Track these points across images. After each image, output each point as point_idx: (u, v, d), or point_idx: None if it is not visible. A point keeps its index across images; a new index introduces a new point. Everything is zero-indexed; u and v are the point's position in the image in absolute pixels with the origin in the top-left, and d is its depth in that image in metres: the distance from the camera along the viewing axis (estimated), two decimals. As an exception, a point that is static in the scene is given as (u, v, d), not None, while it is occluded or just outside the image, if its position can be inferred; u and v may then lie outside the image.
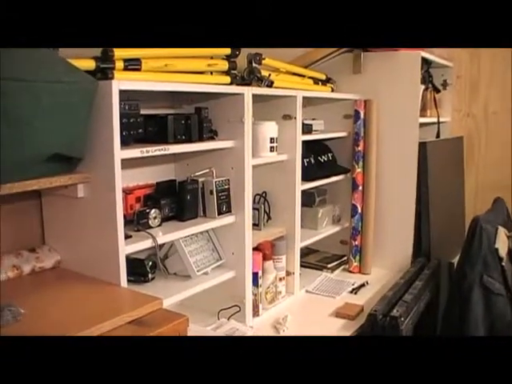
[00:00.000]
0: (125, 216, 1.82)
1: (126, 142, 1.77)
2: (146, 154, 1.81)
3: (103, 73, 1.72)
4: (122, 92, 1.68)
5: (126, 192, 2.02)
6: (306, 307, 2.64)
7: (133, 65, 1.82)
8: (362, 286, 2.88)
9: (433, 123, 3.49)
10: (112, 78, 1.72)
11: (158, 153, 1.86)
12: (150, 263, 2.06)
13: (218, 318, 2.29)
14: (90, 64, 1.70)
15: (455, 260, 2.89)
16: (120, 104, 1.69)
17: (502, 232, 2.66)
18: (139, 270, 2.03)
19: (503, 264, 2.56)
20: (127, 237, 1.82)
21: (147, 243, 1.88)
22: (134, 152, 1.77)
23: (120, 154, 1.69)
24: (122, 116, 1.71)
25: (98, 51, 1.75)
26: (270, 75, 2.38)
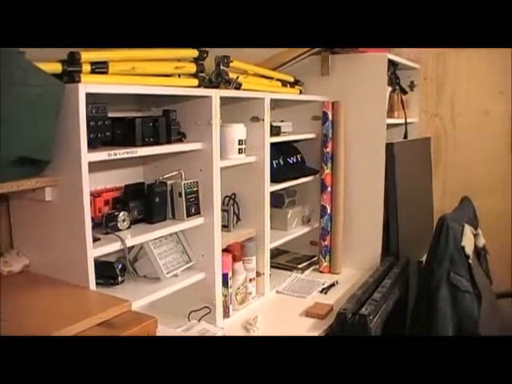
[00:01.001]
0: (93, 219, 1.83)
1: (93, 145, 1.77)
2: (113, 157, 1.81)
3: (70, 76, 1.72)
4: (89, 95, 1.68)
5: (95, 195, 2.02)
6: (277, 307, 2.65)
7: (100, 68, 1.82)
8: (332, 285, 2.91)
9: (400, 124, 3.54)
10: (79, 81, 1.72)
11: (125, 155, 1.86)
12: (120, 266, 2.06)
13: (189, 320, 2.30)
14: (56, 67, 1.70)
15: (423, 258, 2.93)
16: (87, 107, 1.69)
17: (468, 230, 2.70)
18: (109, 272, 2.03)
19: (470, 261, 2.60)
20: (96, 240, 1.82)
21: (116, 246, 1.88)
22: (102, 155, 1.77)
23: (87, 156, 1.69)
24: (89, 119, 1.72)
25: (64, 54, 1.76)
26: (237, 77, 2.40)
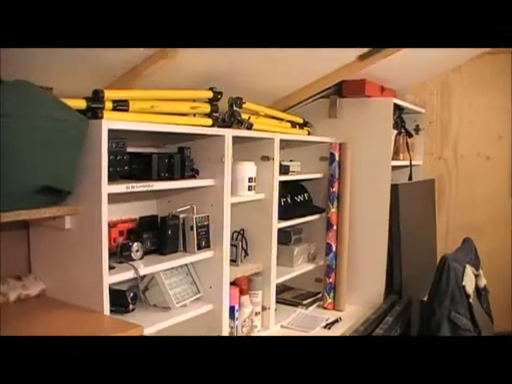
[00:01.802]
0: (108, 248, 1.91)
1: (112, 178, 1.87)
2: (131, 190, 1.92)
3: (93, 112, 1.83)
4: (110, 131, 1.79)
5: (110, 225, 2.11)
6: (281, 341, 2.71)
7: (121, 105, 1.94)
8: (336, 321, 2.97)
9: (405, 166, 3.64)
10: (102, 117, 1.83)
11: (142, 189, 1.97)
12: (131, 294, 2.14)
13: (196, 350, 2.36)
14: (81, 103, 1.82)
15: (426, 298, 2.99)
16: (108, 142, 1.80)
17: (469, 270, 2.77)
18: (120, 300, 2.11)
19: (470, 301, 2.67)
20: (111, 268, 1.91)
21: (129, 274, 1.98)
22: (120, 187, 1.88)
23: (107, 188, 1.80)
24: (109, 153, 1.82)
25: (88, 92, 1.87)
26: (249, 118, 2.51)
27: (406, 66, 3.12)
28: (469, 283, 2.73)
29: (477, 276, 2.92)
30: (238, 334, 2.54)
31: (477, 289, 2.87)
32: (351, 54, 2.71)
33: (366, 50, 2.67)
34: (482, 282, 2.97)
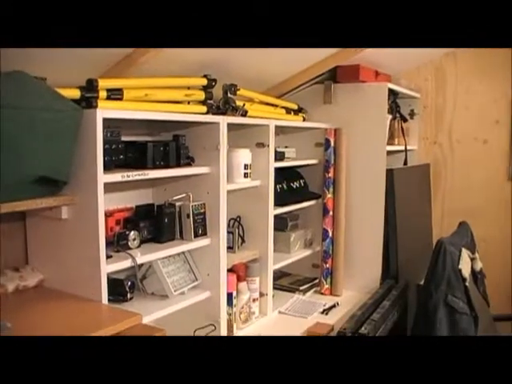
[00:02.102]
0: (105, 238, 1.92)
1: (107, 167, 1.87)
2: (126, 179, 1.92)
3: (87, 101, 1.83)
4: (104, 120, 1.79)
5: (107, 214, 2.11)
6: (279, 327, 2.73)
7: (115, 94, 1.93)
8: (333, 306, 2.99)
9: (401, 151, 3.64)
10: (96, 106, 1.83)
11: (137, 177, 1.97)
12: (129, 283, 2.15)
13: (194, 337, 2.38)
14: (75, 93, 1.81)
15: (423, 281, 3.00)
16: (103, 131, 1.79)
17: (465, 253, 2.77)
18: (118, 289, 2.11)
19: (467, 284, 2.67)
20: (108, 257, 1.91)
21: (127, 263, 1.98)
22: (116, 176, 1.88)
23: (103, 178, 1.79)
24: (104, 142, 1.82)
25: (82, 81, 1.87)
26: (244, 105, 2.51)
27: (400, 50, 3.10)
28: (465, 266, 2.74)
29: (473, 259, 2.92)
30: (236, 321, 2.55)
31: (473, 272, 2.88)
32: (345, 39, 2.71)
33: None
34: (478, 266, 2.98)
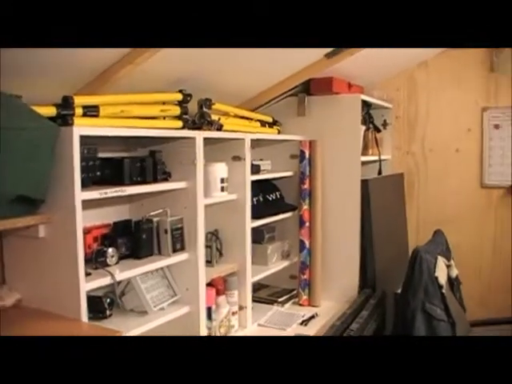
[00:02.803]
0: (83, 255, 1.91)
1: (85, 184, 1.86)
2: (104, 196, 1.91)
3: (64, 119, 1.82)
4: (81, 137, 1.78)
5: (84, 232, 2.08)
6: (259, 340, 2.73)
7: (91, 111, 1.94)
8: (312, 317, 3.00)
9: (375, 161, 3.68)
10: (72, 123, 1.82)
11: (115, 194, 1.97)
12: (108, 300, 2.14)
13: (174, 352, 2.37)
14: (51, 110, 1.81)
15: (400, 290, 3.03)
16: (79, 148, 1.78)
17: (441, 261, 2.81)
18: (97, 306, 2.10)
19: (443, 291, 2.71)
20: (87, 274, 1.90)
21: (106, 280, 1.97)
22: (93, 194, 1.88)
23: (80, 195, 1.79)
24: (81, 159, 1.81)
25: (57, 98, 1.86)
26: (219, 119, 2.52)
27: (372, 62, 3.16)
28: (441, 274, 2.77)
29: (448, 267, 2.97)
30: (216, 335, 2.55)
31: (449, 279, 2.92)
32: (318, 52, 2.74)
33: (332, 48, 2.70)
34: (454, 273, 3.03)
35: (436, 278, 2.73)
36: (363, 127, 3.41)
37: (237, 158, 2.68)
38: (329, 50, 2.73)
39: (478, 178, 3.76)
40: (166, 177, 2.30)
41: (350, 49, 2.68)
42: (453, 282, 3.01)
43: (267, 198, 3.11)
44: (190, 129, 2.37)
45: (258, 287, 3.32)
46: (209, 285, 2.51)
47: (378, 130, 3.72)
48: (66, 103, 1.85)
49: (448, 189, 3.83)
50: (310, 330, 2.79)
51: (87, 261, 1.99)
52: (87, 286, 1.86)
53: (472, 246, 3.72)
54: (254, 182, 2.80)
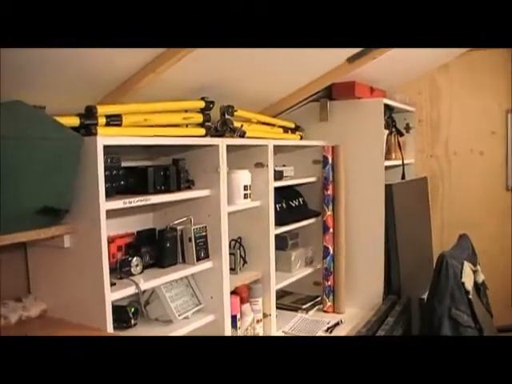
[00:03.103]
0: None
1: (109, 194, 1.85)
2: (128, 205, 1.90)
3: (87, 129, 1.82)
4: (104, 146, 1.77)
5: (108, 241, 2.07)
6: (284, 347, 2.70)
7: (114, 120, 1.93)
8: (337, 324, 2.97)
9: (398, 165, 3.64)
10: (95, 133, 1.82)
11: (139, 203, 1.96)
12: (133, 309, 2.13)
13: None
14: (74, 121, 1.81)
15: (425, 295, 2.99)
16: (103, 157, 1.78)
17: (467, 266, 2.77)
18: (122, 316, 2.10)
19: (470, 297, 2.67)
20: (112, 284, 1.89)
21: (131, 290, 1.96)
22: (118, 203, 1.87)
23: (105, 205, 1.78)
24: (105, 169, 1.80)
25: (80, 108, 1.86)
26: (242, 126, 2.50)
27: (393, 66, 3.13)
28: (467, 280, 2.73)
29: (475, 272, 2.92)
30: (241, 343, 2.53)
31: (475, 285, 2.87)
32: (340, 56, 2.72)
33: (354, 52, 2.68)
34: (481, 278, 2.98)
35: (462, 284, 2.68)
36: (386, 131, 3.37)
37: (260, 165, 2.66)
38: (351, 54, 2.70)
39: (503, 180, 3.72)
40: (190, 185, 2.29)
41: (372, 52, 2.65)
42: (479, 288, 2.96)
43: (290, 204, 3.09)
44: (212, 136, 2.36)
45: (281, 294, 3.29)
46: (233, 293, 2.50)
47: (401, 134, 3.69)
48: (89, 113, 1.85)
49: (472, 192, 3.79)
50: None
51: (111, 270, 1.98)
52: (112, 296, 1.85)
53: (498, 249, 3.66)
54: (276, 189, 2.78)
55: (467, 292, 2.69)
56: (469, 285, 2.71)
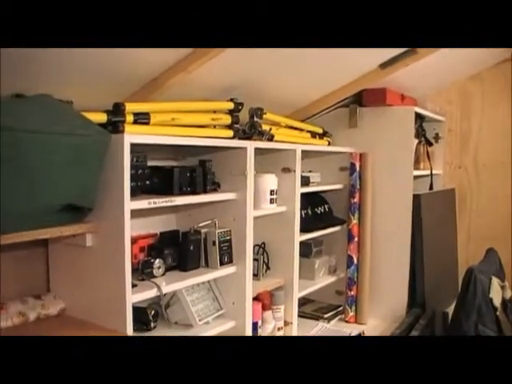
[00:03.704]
0: (130, 265, 1.87)
1: (133, 193, 1.81)
2: (153, 206, 1.86)
3: (114, 126, 1.78)
4: (131, 144, 1.74)
5: (131, 241, 2.05)
6: (304, 357, 2.65)
7: (142, 118, 1.89)
8: (359, 335, 2.91)
9: (426, 175, 3.57)
10: (123, 131, 1.78)
11: (164, 204, 1.92)
12: (153, 312, 2.09)
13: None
14: (101, 117, 1.77)
15: (449, 309, 2.93)
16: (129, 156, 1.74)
17: (495, 282, 2.71)
18: (142, 318, 2.06)
19: (497, 314, 2.61)
20: (133, 286, 1.85)
21: (152, 292, 1.92)
22: (143, 203, 1.83)
23: (130, 204, 1.74)
24: (130, 168, 1.77)
25: (107, 105, 1.82)
26: (270, 129, 2.45)
27: (426, 74, 3.07)
28: (496, 295, 2.67)
29: (503, 287, 2.86)
30: (261, 351, 2.48)
31: (503, 301, 2.80)
32: (372, 62, 2.67)
33: (387, 58, 2.62)
34: (508, 294, 2.91)
35: (491, 300, 2.63)
36: (415, 140, 3.31)
37: (286, 170, 2.61)
38: (383, 60, 2.65)
39: (533, 194, 3.64)
40: (216, 187, 2.24)
41: (405, 59, 2.60)
42: (507, 304, 2.89)
43: (316, 211, 3.04)
44: (240, 138, 2.31)
45: (303, 302, 3.23)
46: (255, 299, 2.45)
47: (430, 144, 3.62)
48: (118, 110, 1.81)
49: (501, 205, 3.70)
50: (358, 349, 2.70)
51: (133, 271, 1.94)
52: (133, 297, 1.81)
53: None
54: (302, 195, 2.73)
55: (495, 308, 2.63)
56: (497, 301, 2.66)
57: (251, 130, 2.38)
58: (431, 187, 3.59)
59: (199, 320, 2.18)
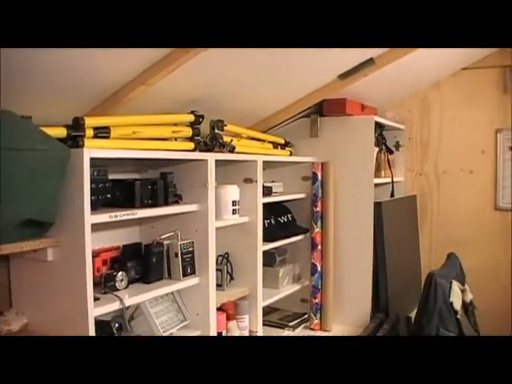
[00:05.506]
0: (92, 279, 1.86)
1: (94, 207, 1.82)
2: (114, 219, 1.87)
3: (74, 140, 1.79)
4: (91, 159, 1.74)
5: (93, 255, 2.04)
6: (270, 366, 2.67)
7: (102, 132, 1.90)
8: (324, 343, 2.93)
9: (387, 183, 3.63)
10: (82, 145, 1.79)
11: (126, 217, 1.93)
12: (116, 325, 2.09)
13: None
14: (61, 132, 1.77)
15: (412, 314, 2.97)
16: (89, 170, 1.75)
17: (455, 286, 2.75)
18: (105, 331, 2.06)
19: (458, 317, 2.65)
20: (95, 299, 1.85)
21: (115, 305, 1.93)
22: (103, 217, 1.84)
23: (90, 218, 1.75)
24: (91, 181, 1.77)
25: (69, 119, 1.83)
26: (231, 141, 2.48)
27: (385, 84, 3.13)
28: (456, 299, 2.71)
29: (463, 291, 2.90)
30: (226, 361, 2.49)
31: (464, 304, 2.85)
32: (332, 73, 2.71)
33: (346, 68, 2.67)
34: (469, 297, 2.96)
35: (451, 304, 2.67)
36: (376, 149, 3.36)
37: (249, 180, 2.64)
38: (342, 71, 2.70)
39: (492, 200, 3.70)
40: (177, 199, 2.26)
41: (364, 70, 2.65)
42: (467, 307, 2.94)
43: (279, 220, 3.06)
44: (201, 151, 2.33)
45: (268, 310, 3.25)
46: (219, 309, 2.46)
47: (391, 152, 3.68)
48: (77, 124, 1.82)
49: (462, 211, 3.77)
50: (322, 356, 2.73)
51: (96, 285, 1.95)
52: (95, 311, 1.81)
53: (487, 268, 3.64)
54: (265, 204, 2.76)
55: (456, 312, 2.67)
56: (457, 304, 2.70)
57: (212, 142, 2.40)
58: (392, 194, 3.65)
59: (163, 332, 2.19)
